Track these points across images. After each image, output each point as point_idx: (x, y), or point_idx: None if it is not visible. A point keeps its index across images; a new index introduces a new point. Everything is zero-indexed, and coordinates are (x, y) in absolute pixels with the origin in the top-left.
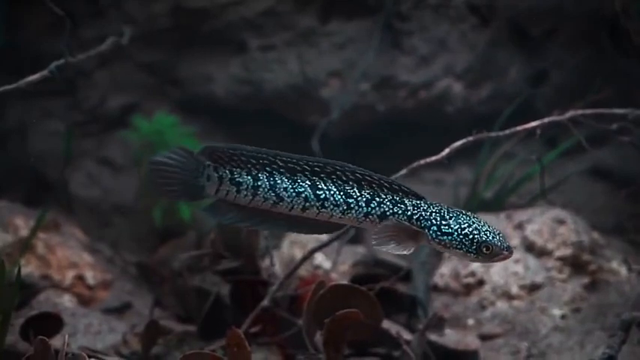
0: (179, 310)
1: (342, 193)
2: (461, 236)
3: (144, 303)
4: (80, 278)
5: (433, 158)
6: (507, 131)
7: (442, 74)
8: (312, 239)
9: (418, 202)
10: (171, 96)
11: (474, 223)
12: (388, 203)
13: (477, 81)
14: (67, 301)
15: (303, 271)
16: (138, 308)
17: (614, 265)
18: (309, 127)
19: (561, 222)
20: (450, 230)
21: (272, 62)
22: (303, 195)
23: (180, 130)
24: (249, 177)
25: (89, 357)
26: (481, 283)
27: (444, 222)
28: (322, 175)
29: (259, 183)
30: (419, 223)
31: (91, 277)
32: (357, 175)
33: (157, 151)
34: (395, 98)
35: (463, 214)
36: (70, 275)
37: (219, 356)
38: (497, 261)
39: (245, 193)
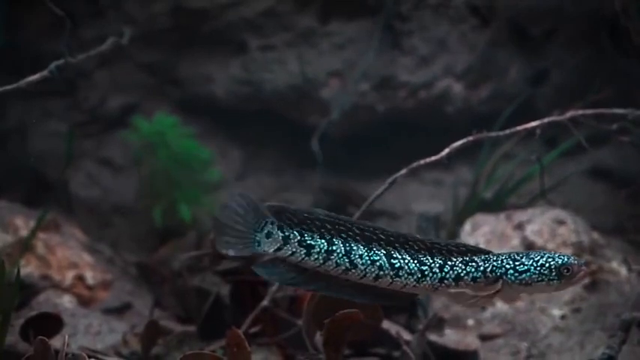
0: (179, 311)
1: (415, 262)
2: (538, 268)
3: (144, 303)
4: (80, 278)
5: (433, 158)
6: (507, 131)
7: (442, 74)
8: None
9: (487, 256)
10: (171, 96)
11: (544, 254)
12: (460, 264)
13: (476, 81)
14: (67, 301)
15: None
16: (138, 308)
17: (614, 265)
18: (309, 127)
19: (561, 222)
20: (526, 267)
21: (272, 62)
22: (378, 263)
23: (181, 130)
24: (323, 241)
25: (89, 357)
26: None
27: (517, 263)
28: (396, 245)
29: (334, 248)
30: (494, 273)
31: (90, 277)
32: (427, 243)
33: (157, 152)
34: (395, 98)
35: (532, 252)
36: (70, 275)
37: (219, 356)
38: (579, 281)
39: (316, 256)
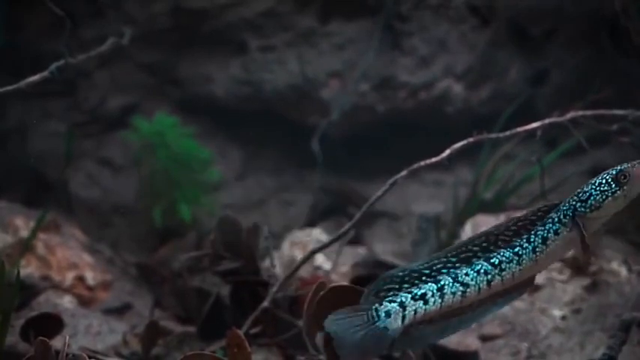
0: (179, 311)
1: (508, 249)
2: (599, 188)
3: (144, 303)
4: (80, 279)
5: (433, 159)
6: (507, 132)
7: (442, 75)
8: (313, 240)
9: (554, 206)
10: (171, 96)
11: (598, 176)
12: (541, 228)
13: (477, 81)
14: (67, 301)
15: (303, 272)
16: (138, 309)
17: (615, 265)
18: (309, 127)
19: None
20: (588, 193)
21: (272, 63)
22: (482, 270)
23: (180, 130)
24: (430, 284)
25: (89, 357)
26: None
27: (580, 195)
28: (490, 247)
29: (442, 282)
30: (567, 217)
31: (91, 277)
32: (513, 229)
33: (157, 152)
34: (395, 99)
35: (588, 182)
36: (70, 276)
37: (219, 357)
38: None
39: (433, 299)
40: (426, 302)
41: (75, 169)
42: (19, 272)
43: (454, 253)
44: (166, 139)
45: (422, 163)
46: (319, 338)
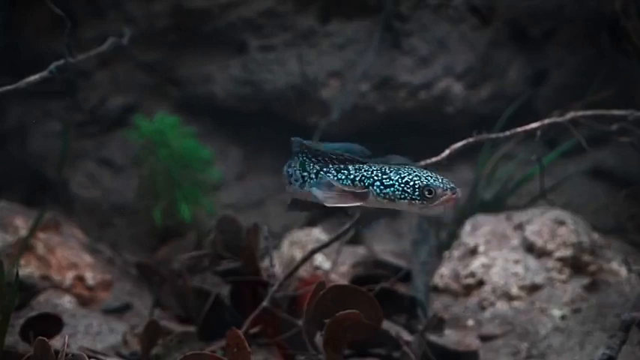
0: (179, 311)
1: (301, 169)
2: (402, 185)
3: (144, 303)
4: (80, 279)
5: (433, 159)
6: (507, 133)
7: (442, 75)
8: (312, 240)
9: (360, 165)
10: (171, 96)
11: (414, 172)
12: (333, 171)
13: (477, 81)
14: (67, 301)
15: (303, 272)
16: (138, 309)
17: (615, 265)
18: (309, 127)
19: (561, 223)
20: (391, 182)
21: (272, 63)
22: (290, 172)
23: (181, 130)
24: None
25: (89, 357)
26: (481, 283)
27: (384, 177)
28: (318, 156)
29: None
30: (362, 183)
31: (90, 277)
32: (322, 151)
33: (158, 152)
34: (395, 99)
35: (405, 168)
36: (70, 276)
37: (219, 357)
38: (443, 203)
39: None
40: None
41: (75, 169)
42: (18, 272)
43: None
44: (167, 138)
45: (422, 162)
46: (319, 338)
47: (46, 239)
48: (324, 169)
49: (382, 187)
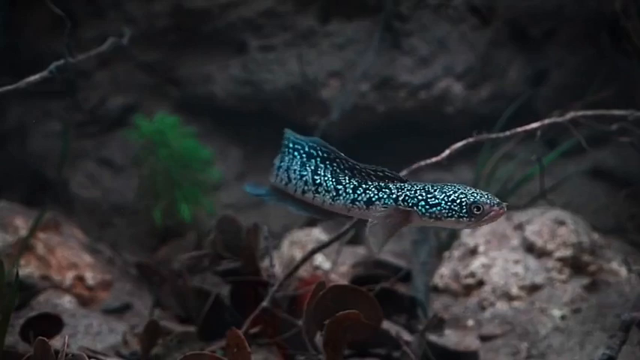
0: (179, 311)
1: (334, 180)
2: (449, 203)
3: (144, 303)
4: (80, 279)
5: (434, 159)
6: (507, 133)
7: (442, 75)
8: (312, 240)
9: (402, 184)
10: (171, 96)
11: (459, 189)
12: (374, 189)
13: (477, 81)
14: (67, 301)
15: (303, 272)
16: (138, 309)
17: (614, 265)
18: (310, 127)
19: (561, 223)
20: (437, 201)
21: (272, 63)
22: (304, 179)
23: (181, 130)
24: (287, 160)
25: (89, 357)
26: (481, 283)
27: (429, 195)
28: (326, 162)
29: (281, 164)
30: (406, 203)
31: (90, 277)
32: (350, 164)
33: (158, 152)
34: (395, 99)
35: (448, 185)
36: (70, 276)
37: (219, 357)
38: (491, 219)
39: (278, 172)
40: (278, 168)
41: (75, 169)
42: (18, 272)
43: (310, 144)
44: (167, 138)
45: (422, 162)
46: (319, 338)
47: (46, 239)
48: (363, 185)
49: (427, 207)
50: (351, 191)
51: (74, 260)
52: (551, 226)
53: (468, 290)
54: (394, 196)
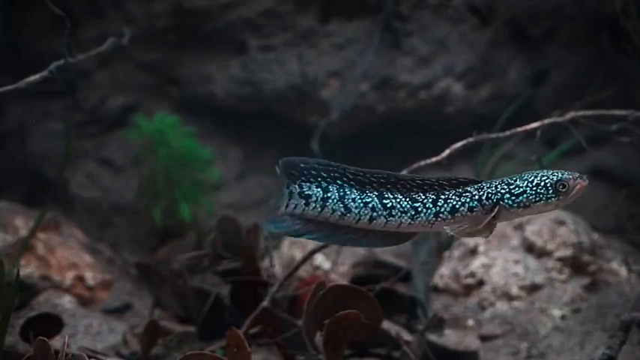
0: (179, 311)
1: (408, 199)
2: (534, 188)
3: (144, 303)
4: (80, 279)
5: (433, 159)
6: (507, 132)
7: (442, 75)
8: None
9: (479, 185)
10: (171, 96)
11: (538, 173)
12: (454, 197)
13: (477, 81)
14: (67, 301)
15: (303, 272)
16: (138, 309)
17: (615, 265)
18: (310, 127)
19: (561, 223)
20: (522, 189)
21: (272, 63)
22: (371, 205)
23: (181, 130)
24: (319, 189)
25: (89, 357)
26: (481, 283)
27: (511, 186)
28: (388, 186)
29: (329, 195)
30: (490, 201)
31: (90, 277)
32: (418, 181)
33: (158, 151)
34: (395, 99)
35: (524, 174)
36: (70, 276)
37: (219, 357)
38: (577, 193)
39: (314, 205)
40: (307, 204)
41: (75, 169)
42: (18, 272)
43: (353, 170)
44: (167, 138)
45: (422, 162)
46: (319, 338)
47: (46, 239)
48: (442, 196)
49: (514, 198)
50: (431, 205)
51: (74, 260)
52: (551, 226)
53: (468, 290)
54: (477, 197)
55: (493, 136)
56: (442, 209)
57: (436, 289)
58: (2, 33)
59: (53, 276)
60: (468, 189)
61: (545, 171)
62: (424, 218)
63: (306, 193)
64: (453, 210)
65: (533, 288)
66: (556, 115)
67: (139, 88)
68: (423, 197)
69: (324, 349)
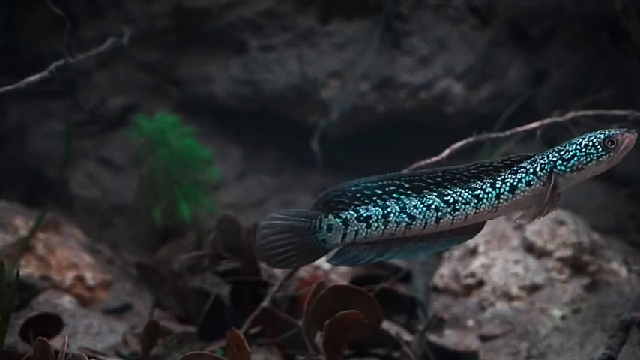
0: (179, 311)
1: (467, 190)
2: (583, 149)
3: (144, 303)
4: (80, 279)
5: (434, 159)
6: (507, 132)
7: (442, 75)
8: None
9: (525, 158)
10: (171, 96)
11: (585, 136)
12: (510, 175)
13: (477, 81)
14: (67, 301)
15: (303, 272)
16: (138, 309)
17: (614, 265)
18: (310, 127)
19: (561, 223)
20: (572, 152)
21: (272, 63)
22: (434, 206)
23: (181, 129)
24: (377, 208)
25: (89, 357)
26: (481, 283)
27: (562, 152)
28: (445, 183)
29: (389, 210)
30: (544, 171)
31: (90, 277)
32: (473, 171)
33: (158, 151)
34: (395, 99)
35: (571, 139)
36: (70, 276)
37: (219, 357)
38: (627, 147)
39: (376, 225)
40: (369, 226)
41: (75, 169)
42: (18, 272)
43: (408, 179)
44: (167, 137)
45: (422, 162)
46: (319, 338)
47: (46, 239)
48: (499, 178)
49: (565, 163)
50: (490, 189)
51: (74, 260)
52: (551, 226)
53: (468, 290)
54: (531, 170)
55: (493, 136)
56: (502, 190)
57: (436, 289)
58: (2, 33)
59: (53, 276)
60: (522, 165)
61: (589, 134)
62: (487, 204)
63: (365, 215)
64: (512, 188)
65: (533, 288)
66: (556, 115)
67: (139, 88)
68: (481, 184)
69: (324, 349)
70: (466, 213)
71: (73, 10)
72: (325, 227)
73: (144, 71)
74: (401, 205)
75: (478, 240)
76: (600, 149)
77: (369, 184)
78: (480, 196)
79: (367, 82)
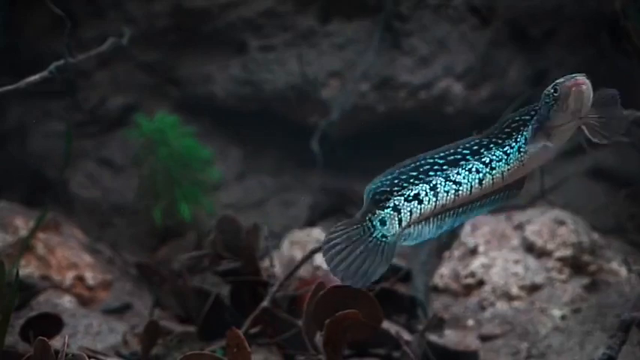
0: (179, 311)
1: (498, 148)
2: (545, 100)
3: (144, 303)
4: (80, 279)
5: None
6: None
7: (442, 75)
8: (312, 240)
9: (532, 109)
10: (171, 96)
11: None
12: (522, 129)
13: (477, 81)
14: (67, 301)
15: (303, 272)
16: (138, 309)
17: (614, 265)
18: (310, 127)
19: (561, 223)
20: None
21: (272, 63)
22: (474, 168)
23: (181, 129)
24: (422, 184)
25: (89, 357)
26: (481, 283)
27: (526, 115)
28: (482, 150)
29: (434, 181)
30: (527, 131)
31: (90, 277)
32: (506, 131)
33: (158, 151)
34: (395, 99)
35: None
36: (70, 276)
37: (219, 357)
38: (575, 92)
39: (428, 197)
40: (420, 202)
41: (75, 169)
42: (18, 272)
43: (442, 154)
44: (167, 137)
45: None
46: (319, 338)
47: (46, 239)
48: (517, 133)
49: (542, 112)
50: (514, 143)
51: (74, 260)
52: (551, 226)
53: (468, 290)
54: (534, 118)
55: None
56: (520, 142)
57: (436, 289)
58: (2, 33)
59: (53, 276)
60: (529, 112)
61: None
62: (514, 157)
63: (413, 194)
64: (526, 140)
65: (533, 288)
66: None
67: (139, 88)
68: (502, 140)
69: (324, 349)
70: (501, 170)
71: (73, 10)
72: (378, 222)
73: (144, 71)
74: (444, 175)
75: (478, 240)
76: (551, 99)
77: (402, 169)
78: (508, 151)
79: (367, 82)
